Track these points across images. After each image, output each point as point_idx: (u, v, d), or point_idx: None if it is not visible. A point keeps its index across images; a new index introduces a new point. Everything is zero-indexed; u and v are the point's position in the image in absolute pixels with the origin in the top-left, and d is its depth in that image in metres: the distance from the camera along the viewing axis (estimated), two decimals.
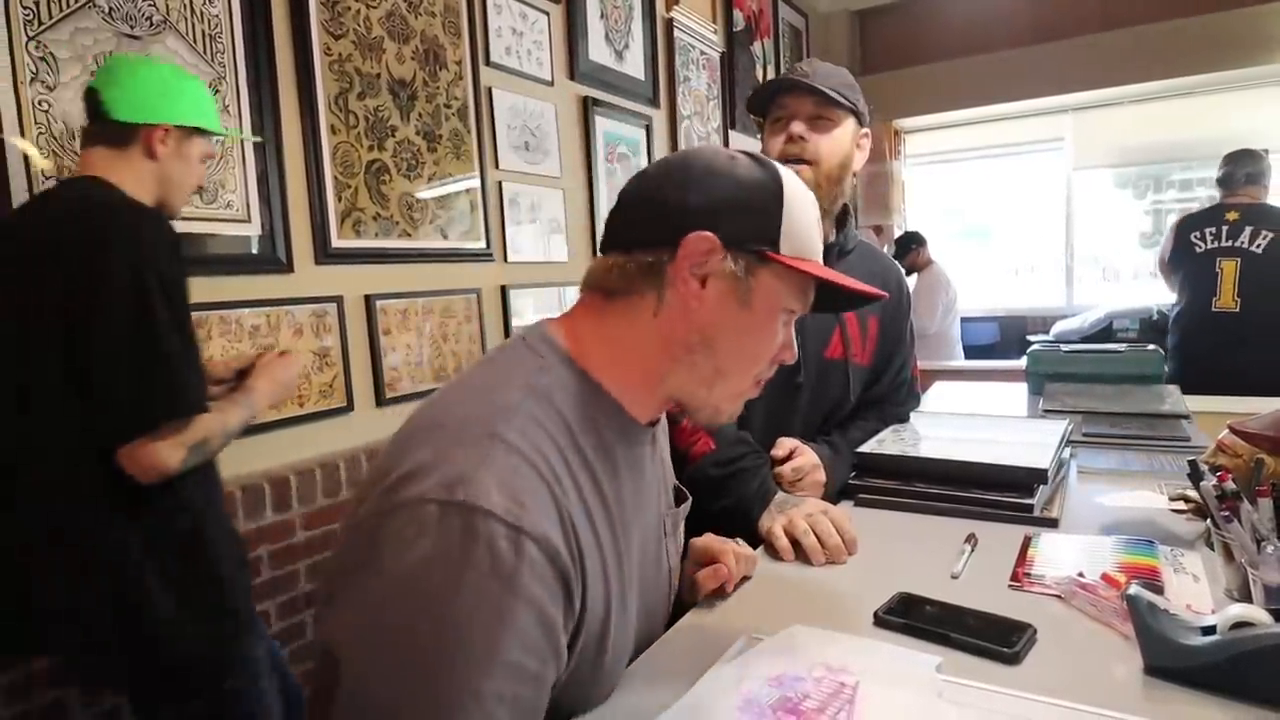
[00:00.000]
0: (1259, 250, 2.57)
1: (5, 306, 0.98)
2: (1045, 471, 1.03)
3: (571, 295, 2.36)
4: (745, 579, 0.89)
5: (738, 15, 3.26)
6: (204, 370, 1.07)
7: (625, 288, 0.63)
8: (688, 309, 0.62)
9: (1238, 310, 2.59)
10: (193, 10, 1.34)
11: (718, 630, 0.76)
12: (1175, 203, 4.58)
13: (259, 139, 1.43)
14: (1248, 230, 2.59)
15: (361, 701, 0.49)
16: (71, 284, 0.94)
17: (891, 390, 1.33)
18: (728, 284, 0.62)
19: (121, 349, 0.95)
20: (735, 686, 0.65)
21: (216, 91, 1.38)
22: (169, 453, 0.97)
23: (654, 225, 0.62)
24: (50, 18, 1.15)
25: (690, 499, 0.82)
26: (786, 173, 0.65)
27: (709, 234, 0.60)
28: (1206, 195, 4.49)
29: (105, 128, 1.03)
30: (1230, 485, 0.74)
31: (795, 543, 0.96)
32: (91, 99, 1.03)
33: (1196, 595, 0.77)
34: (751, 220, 0.62)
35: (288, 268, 1.51)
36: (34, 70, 1.13)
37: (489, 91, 1.99)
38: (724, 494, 1.09)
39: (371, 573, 0.50)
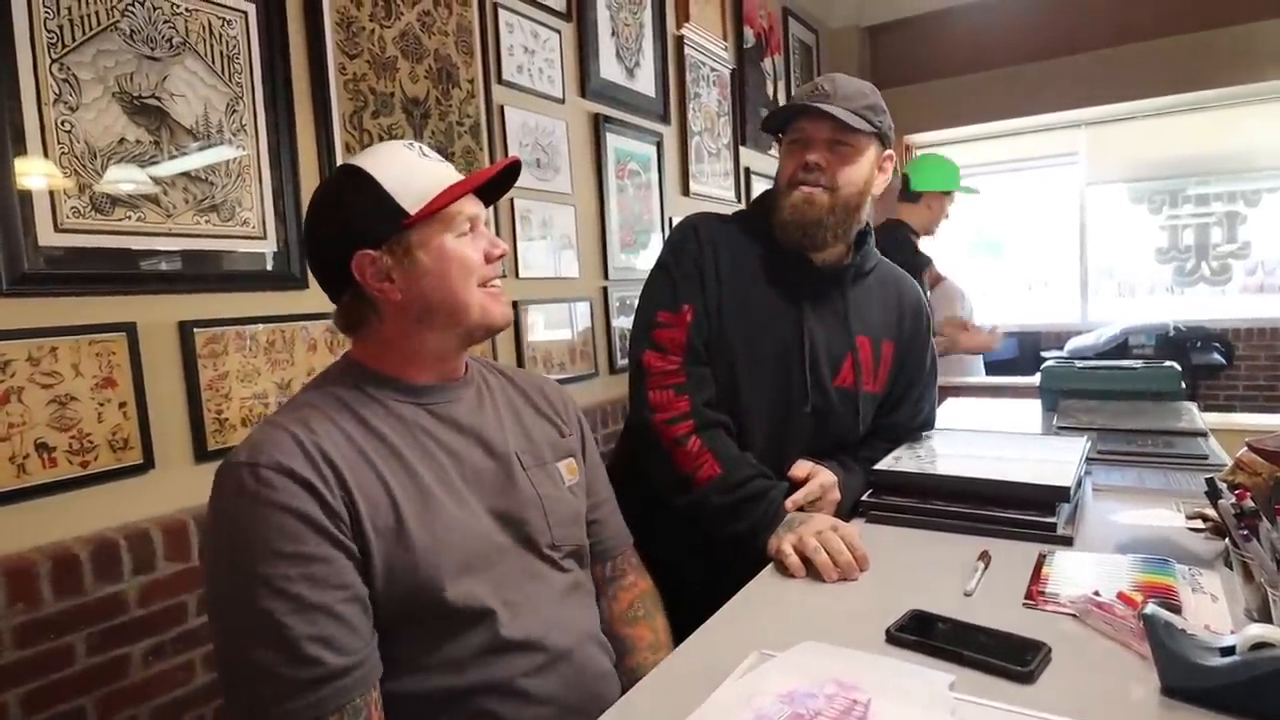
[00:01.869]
0: None
1: None
2: (1068, 490, 1.01)
3: (582, 310, 2.37)
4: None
5: (748, 32, 3.29)
6: None
7: (356, 321, 0.84)
8: (395, 302, 0.81)
9: None
10: (212, 32, 1.37)
11: (729, 646, 0.76)
12: (1191, 218, 4.54)
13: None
14: None
15: (211, 622, 0.73)
16: None
17: (910, 418, 1.30)
18: (401, 264, 0.80)
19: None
20: (746, 702, 0.65)
21: (234, 111, 1.40)
22: None
23: (333, 277, 0.83)
24: (74, 40, 1.18)
25: (584, 440, 1.00)
26: (363, 156, 0.82)
27: (360, 253, 0.79)
28: (1223, 211, 4.46)
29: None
30: (1249, 503, 0.73)
31: (806, 560, 0.95)
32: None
33: (1215, 615, 0.76)
34: (373, 217, 0.79)
35: (303, 283, 1.53)
36: (57, 91, 1.16)
37: (501, 109, 2.01)
38: (733, 520, 1.07)
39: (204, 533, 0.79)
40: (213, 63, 1.37)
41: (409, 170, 0.81)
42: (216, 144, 1.37)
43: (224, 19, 1.38)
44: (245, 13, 1.42)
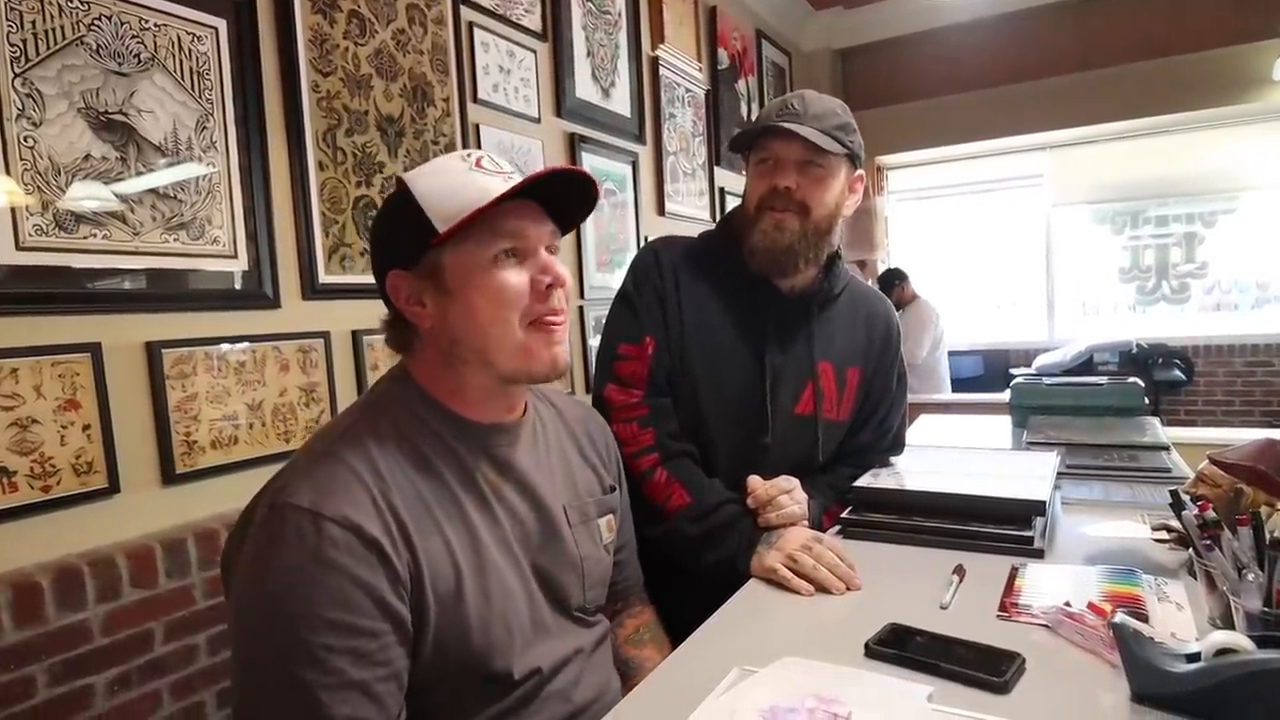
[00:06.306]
0: None
1: None
2: (1044, 503, 1.03)
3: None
4: None
5: (722, 54, 3.35)
6: None
7: (402, 341, 0.78)
8: (427, 328, 0.75)
9: None
10: (181, 48, 1.36)
11: (710, 663, 0.75)
12: (1152, 239, 4.69)
13: None
14: None
15: (235, 670, 0.66)
16: None
17: (875, 440, 1.26)
18: (432, 289, 0.73)
19: None
20: (728, 719, 0.64)
21: (204, 128, 1.39)
22: None
23: (381, 293, 0.77)
24: (37, 55, 1.16)
25: (621, 487, 0.96)
26: (419, 168, 0.76)
27: (393, 272, 0.74)
28: (1182, 232, 4.61)
29: None
30: (1211, 514, 0.75)
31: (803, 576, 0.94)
32: None
33: (1180, 623, 0.77)
34: (404, 235, 0.73)
35: (274, 303, 1.51)
36: (20, 107, 1.14)
37: (476, 128, 2.01)
38: (708, 548, 1.06)
39: (235, 575, 0.68)
40: (182, 78, 1.36)
41: (450, 182, 0.72)
42: (185, 161, 1.36)
43: (194, 34, 1.37)
44: (216, 28, 1.41)
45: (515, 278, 0.73)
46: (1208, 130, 4.26)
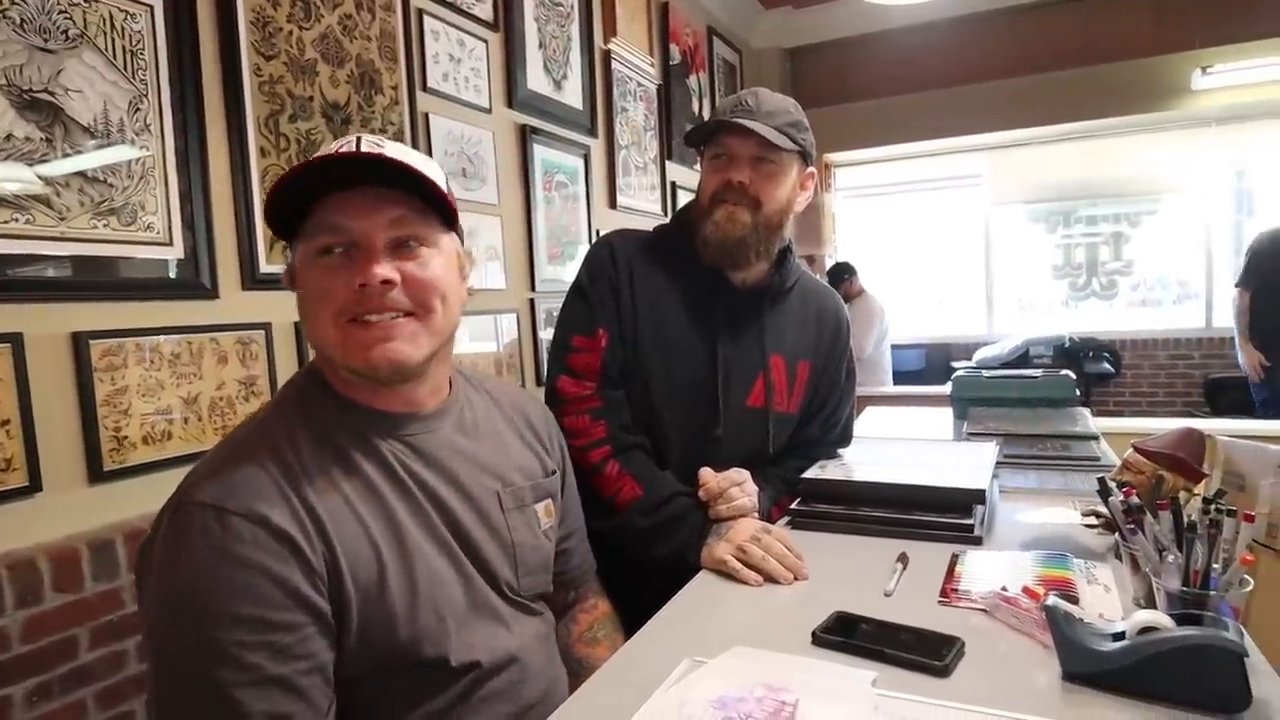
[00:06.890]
0: None
1: None
2: (983, 492, 1.07)
3: (508, 323, 2.35)
4: None
5: (674, 49, 3.35)
6: None
7: None
8: None
9: None
10: (113, 25, 1.29)
11: (660, 655, 0.76)
12: (1083, 237, 4.90)
13: None
14: None
15: (150, 673, 0.64)
16: None
17: (824, 433, 1.29)
18: (291, 284, 0.74)
19: None
20: (678, 710, 0.65)
21: (137, 109, 1.33)
22: None
23: None
24: None
25: (565, 472, 0.95)
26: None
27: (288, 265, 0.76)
28: (1110, 231, 4.83)
29: None
30: (1135, 500, 0.79)
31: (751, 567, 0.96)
32: None
33: (1107, 604, 0.82)
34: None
35: (212, 293, 1.45)
36: None
37: (425, 117, 1.97)
38: (658, 542, 1.06)
39: (146, 578, 0.66)
40: (114, 57, 1.29)
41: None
42: (117, 143, 1.29)
43: (127, 12, 1.31)
44: (151, 6, 1.34)
45: (327, 275, 0.70)
46: (1133, 135, 4.48)
